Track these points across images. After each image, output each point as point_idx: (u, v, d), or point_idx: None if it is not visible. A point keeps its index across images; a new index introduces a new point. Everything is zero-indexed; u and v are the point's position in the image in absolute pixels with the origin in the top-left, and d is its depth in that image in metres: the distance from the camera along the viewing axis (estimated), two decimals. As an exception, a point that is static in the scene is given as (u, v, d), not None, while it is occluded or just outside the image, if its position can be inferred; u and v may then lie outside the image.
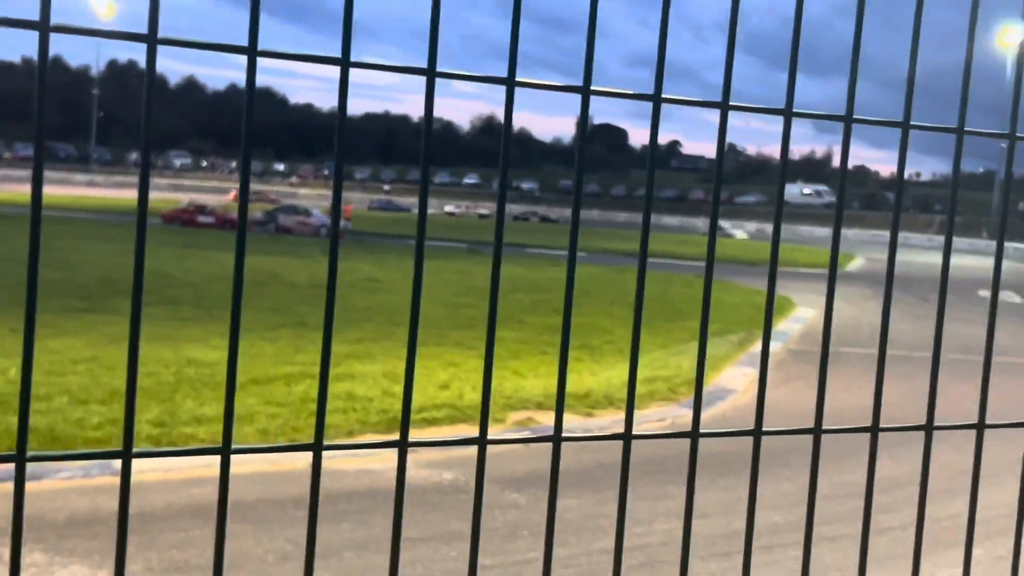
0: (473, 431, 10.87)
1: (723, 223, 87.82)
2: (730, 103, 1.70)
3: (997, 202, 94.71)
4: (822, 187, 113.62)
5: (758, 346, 23.94)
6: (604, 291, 31.46)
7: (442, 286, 31.20)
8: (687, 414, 16.71)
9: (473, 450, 1.81)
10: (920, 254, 58.13)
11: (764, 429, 1.83)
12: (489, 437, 1.65)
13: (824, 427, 1.85)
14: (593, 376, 18.93)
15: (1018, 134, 1.94)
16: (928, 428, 1.93)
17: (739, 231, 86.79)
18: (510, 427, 14.68)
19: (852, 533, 10.00)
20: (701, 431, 1.78)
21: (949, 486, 8.46)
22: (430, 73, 1.55)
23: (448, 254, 44.45)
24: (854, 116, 1.79)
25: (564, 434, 1.69)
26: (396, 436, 1.65)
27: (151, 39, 1.39)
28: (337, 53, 1.50)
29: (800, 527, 8.49)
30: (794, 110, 1.75)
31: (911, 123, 1.81)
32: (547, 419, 15.30)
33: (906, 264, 34.65)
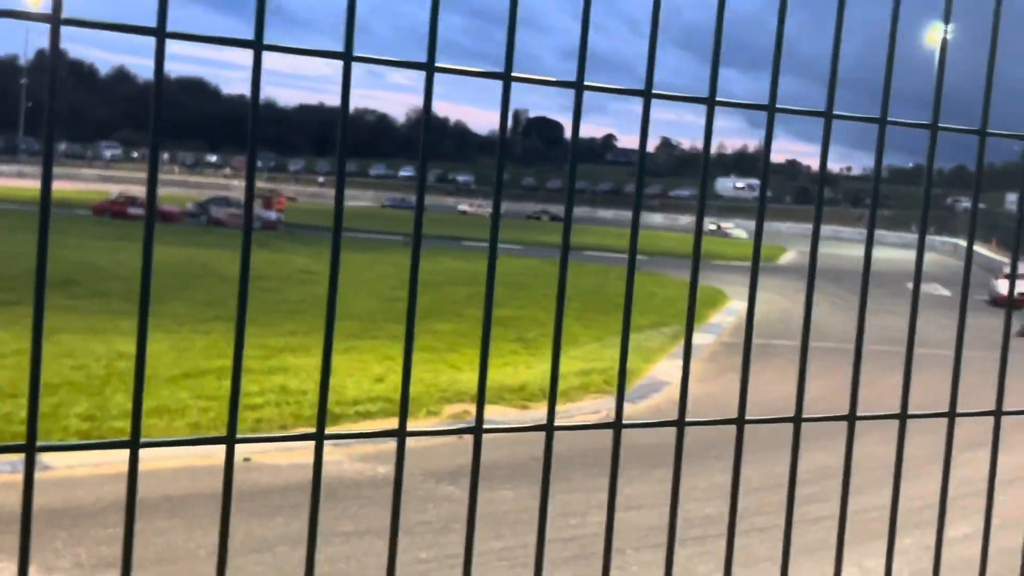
0: (411, 425, 10.78)
1: (724, 223, 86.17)
2: (653, 91, 1.70)
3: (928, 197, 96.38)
4: (754, 180, 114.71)
5: (693, 338, 24.15)
6: (540, 284, 31.53)
7: (378, 279, 31.07)
8: (624, 405, 16.84)
9: (408, 443, 1.81)
10: (851, 247, 58.79)
11: (687, 420, 1.84)
12: (409, 429, 1.64)
13: (748, 417, 1.87)
14: (529, 369, 18.97)
15: (940, 124, 1.97)
16: (851, 418, 1.95)
17: (739, 231, 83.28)
18: (445, 420, 14.68)
19: (782, 524, 10.12)
20: (624, 422, 1.79)
21: (879, 476, 8.59)
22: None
23: (385, 247, 44.29)
24: (778, 106, 1.80)
25: (486, 425, 1.70)
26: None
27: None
28: (279, 45, 1.48)
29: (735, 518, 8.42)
30: (718, 99, 1.75)
31: (834, 113, 1.83)
32: (485, 412, 15.33)
33: (837, 257, 35.10)
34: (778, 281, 35.79)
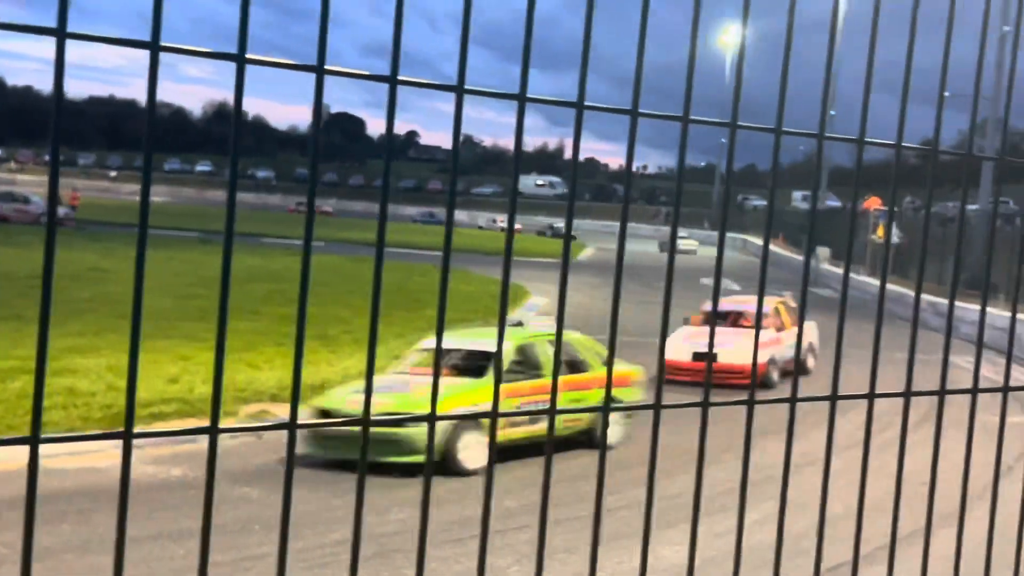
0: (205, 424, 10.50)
1: (682, 237, 77.06)
2: (465, 87, 1.70)
3: (718, 194, 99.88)
4: (554, 178, 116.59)
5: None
6: (341, 281, 31.22)
7: (172, 277, 30.16)
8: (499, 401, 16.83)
9: (203, 445, 1.74)
10: (647, 244, 60.48)
11: (499, 411, 1.84)
12: (221, 426, 1.59)
13: (559, 408, 1.88)
14: (330, 366, 18.76)
15: (739, 123, 2.01)
16: (656, 407, 1.98)
17: (690, 242, 70.97)
18: (243, 420, 14.35)
19: (581, 515, 10.30)
20: (437, 415, 1.78)
21: (669, 467, 8.82)
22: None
23: (178, 244, 43.04)
24: (585, 104, 1.81)
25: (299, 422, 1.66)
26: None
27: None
28: (82, 33, 1.40)
29: (530, 511, 8.69)
30: (528, 96, 1.76)
31: (639, 111, 1.85)
32: (282, 411, 15.05)
33: (634, 254, 36.02)
34: (577, 277, 36.46)
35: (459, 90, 1.69)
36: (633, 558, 9.15)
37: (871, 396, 2.26)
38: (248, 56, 1.50)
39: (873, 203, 46.51)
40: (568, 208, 1.97)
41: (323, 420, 11.45)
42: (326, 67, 1.57)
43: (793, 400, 2.15)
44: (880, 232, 44.79)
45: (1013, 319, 2.41)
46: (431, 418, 1.80)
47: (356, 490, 1.76)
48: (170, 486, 11.26)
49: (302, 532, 9.52)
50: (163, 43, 1.47)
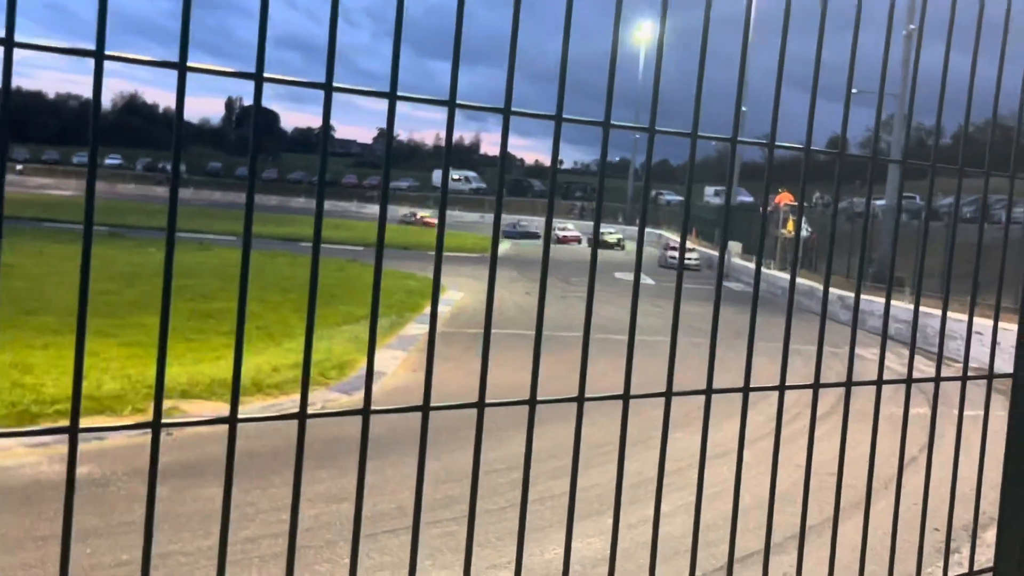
0: (112, 422, 10.38)
1: (608, 232, 75.12)
2: (398, 93, 1.73)
3: (633, 189, 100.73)
4: (470, 173, 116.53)
5: (408, 329, 24.27)
6: (255, 275, 30.82)
7: (78, 272, 29.57)
8: (338, 397, 16.71)
9: (109, 443, 1.71)
10: (561, 239, 60.78)
11: (432, 405, 1.85)
12: (164, 421, 1.61)
13: (488, 401, 1.89)
14: (243, 361, 18.56)
15: (657, 128, 2.05)
16: (580, 400, 2.00)
17: (616, 235, 68.87)
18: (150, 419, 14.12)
19: (492, 508, 10.33)
20: (372, 408, 1.80)
21: (584, 459, 8.88)
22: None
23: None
24: (512, 109, 1.86)
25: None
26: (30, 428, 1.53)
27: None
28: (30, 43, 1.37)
29: (444, 505, 8.68)
30: (458, 102, 1.79)
31: (563, 117, 1.90)
32: (192, 408, 14.86)
33: (563, 250, 36.09)
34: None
35: (392, 97, 1.72)
36: (544, 551, 9.20)
37: (781, 388, 2.30)
38: (189, 64, 1.51)
39: (784, 199, 47.27)
40: (496, 211, 1.99)
41: (260, 416, 11.27)
42: (265, 75, 1.58)
43: (709, 392, 2.19)
44: (790, 227, 45.53)
45: (916, 312, 2.47)
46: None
47: (294, 483, 1.75)
48: (78, 484, 11.05)
49: (211, 529, 9.41)
50: (108, 52, 1.47)
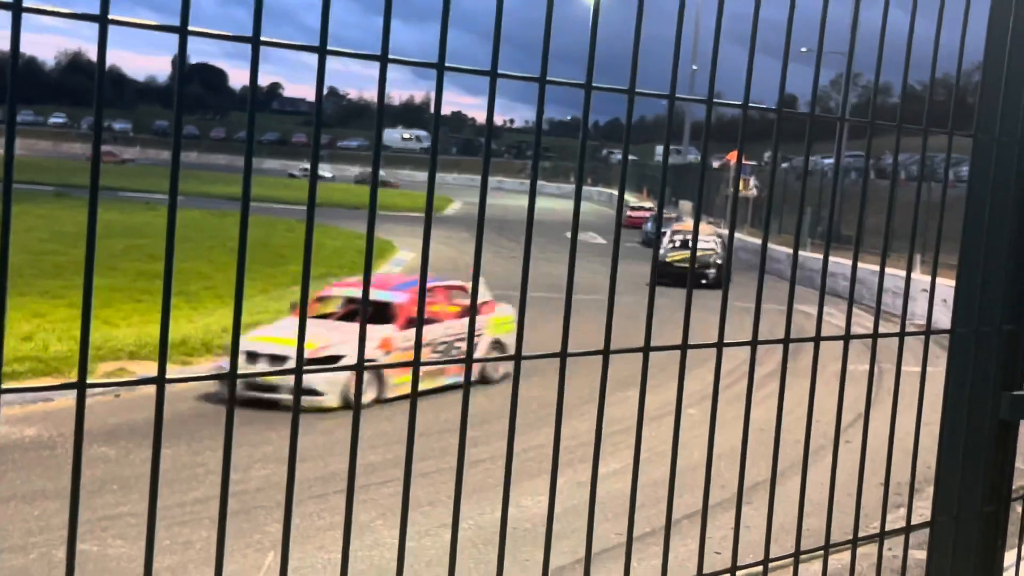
0: (60, 382, 10.28)
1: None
2: (328, 48, 1.69)
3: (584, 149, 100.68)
4: (421, 132, 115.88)
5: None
6: (203, 236, 30.60)
7: (25, 232, 29.19)
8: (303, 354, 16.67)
9: (58, 404, 1.70)
10: (514, 198, 60.66)
11: (365, 363, 1.84)
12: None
13: (423, 361, 1.90)
14: (191, 323, 18.44)
15: (594, 84, 2.04)
16: (517, 359, 2.01)
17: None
18: (100, 378, 14.00)
19: (443, 468, 10.38)
20: (305, 368, 1.79)
21: (536, 418, 8.94)
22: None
23: (32, 198, 41.59)
24: (446, 64, 1.84)
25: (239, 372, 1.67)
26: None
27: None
28: None
29: (395, 464, 8.69)
30: (390, 56, 1.76)
31: (498, 72, 1.88)
32: (140, 368, 14.77)
33: (501, 208, 36.06)
34: (445, 231, 36.44)
35: (322, 51, 1.69)
36: (495, 509, 9.26)
37: (719, 345, 2.32)
38: (111, 17, 1.48)
39: (734, 157, 47.49)
40: (431, 165, 1.99)
41: (189, 376, 11.31)
42: (189, 28, 1.56)
43: (646, 350, 2.20)
44: (742, 186, 45.76)
45: (854, 267, 2.50)
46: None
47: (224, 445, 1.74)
48: (24, 446, 10.96)
49: (160, 490, 9.39)
50: (25, 4, 1.44)
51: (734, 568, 2.40)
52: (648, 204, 61.94)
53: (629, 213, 54.46)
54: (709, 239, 33.26)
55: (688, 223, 34.80)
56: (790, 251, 2.77)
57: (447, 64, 1.87)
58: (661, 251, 30.71)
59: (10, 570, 7.94)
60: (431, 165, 2.04)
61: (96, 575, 7.86)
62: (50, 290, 19.97)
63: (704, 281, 28.77)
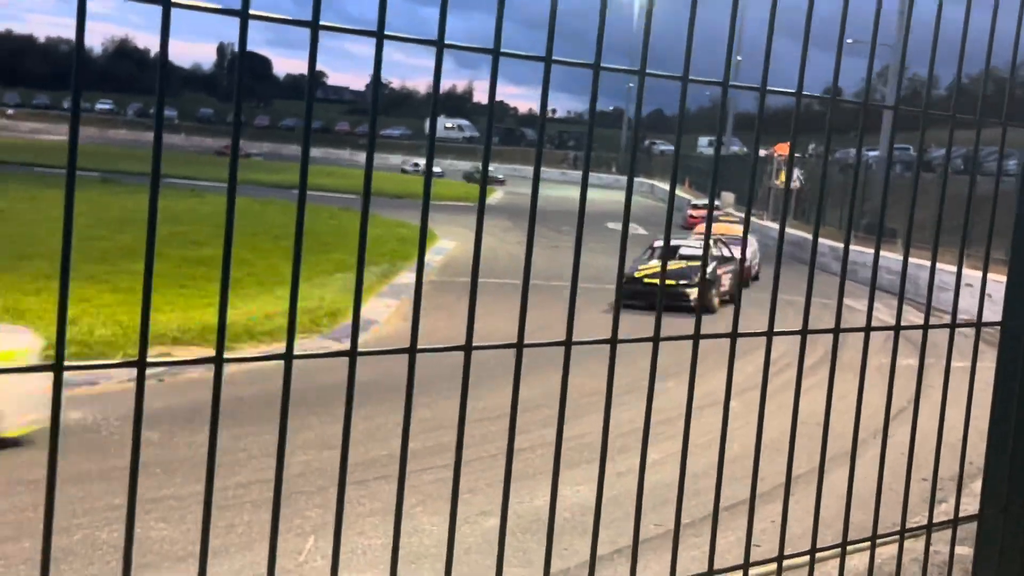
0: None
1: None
2: (385, 33, 1.71)
3: (626, 139, 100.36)
4: (463, 121, 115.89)
5: (400, 278, 24.27)
6: (247, 223, 30.79)
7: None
8: (330, 345, 16.73)
9: (100, 389, 1.72)
10: (555, 188, 60.60)
11: (419, 347, 1.86)
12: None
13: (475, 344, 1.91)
14: (233, 309, 18.56)
15: (648, 71, 2.03)
16: (567, 344, 2.01)
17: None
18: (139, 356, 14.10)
19: (483, 456, 10.38)
20: (359, 350, 1.80)
21: (577, 407, 8.91)
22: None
23: (79, 184, 41.91)
24: (501, 50, 1.84)
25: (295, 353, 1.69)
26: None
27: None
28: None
29: (436, 452, 8.70)
30: (446, 42, 1.77)
31: (553, 58, 1.88)
32: (183, 354, 14.88)
33: (543, 198, 35.92)
34: (488, 221, 36.34)
35: (379, 36, 1.70)
36: (535, 497, 9.26)
37: (769, 334, 2.31)
38: (173, 0, 1.49)
39: (781, 149, 47.15)
40: (484, 154, 1.99)
41: (247, 356, 11.26)
42: (251, 12, 1.57)
43: (696, 337, 2.20)
44: (783, 177, 45.46)
45: (905, 261, 2.48)
46: (352, 353, 1.82)
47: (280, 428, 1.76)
48: (68, 429, 11.08)
49: (202, 474, 9.45)
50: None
51: (781, 558, 2.39)
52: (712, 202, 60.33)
53: (691, 212, 48.28)
54: (698, 245, 24.99)
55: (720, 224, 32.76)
56: (832, 243, 2.74)
57: (502, 50, 1.87)
58: (631, 263, 23.23)
59: (54, 551, 8.04)
60: (484, 153, 2.04)
61: (139, 556, 7.95)
62: (95, 275, 20.18)
63: (689, 303, 21.28)
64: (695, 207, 49.43)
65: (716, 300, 23.25)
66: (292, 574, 7.99)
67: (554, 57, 1.91)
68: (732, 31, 2.16)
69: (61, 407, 1.52)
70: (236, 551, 8.38)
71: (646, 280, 21.55)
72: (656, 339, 2.16)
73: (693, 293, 22.02)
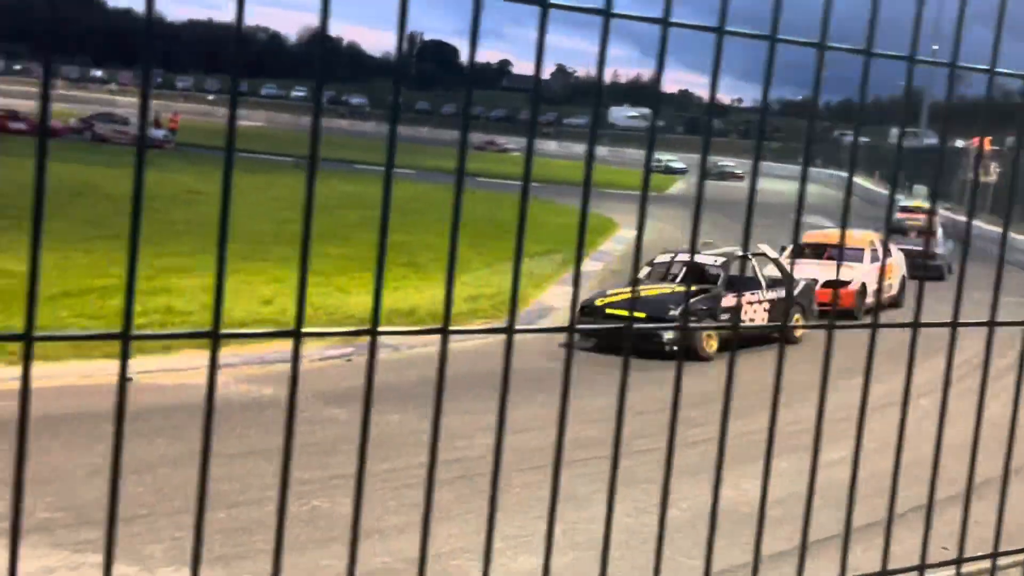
0: (308, 348, 10.75)
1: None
2: (551, 2, 1.71)
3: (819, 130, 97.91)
4: (647, 111, 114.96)
5: (583, 266, 24.31)
6: (432, 210, 31.32)
7: (269, 202, 30.63)
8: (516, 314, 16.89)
9: (302, 366, 1.81)
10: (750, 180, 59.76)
11: (576, 326, 1.87)
12: (304, 330, 1.69)
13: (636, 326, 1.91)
14: (419, 293, 18.96)
15: (828, 44, 1.97)
16: (735, 327, 2.00)
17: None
18: (337, 343, 14.54)
19: (663, 447, 10.31)
20: (516, 327, 1.84)
21: (757, 401, 8.79)
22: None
23: (276, 169, 43.52)
24: (671, 20, 1.78)
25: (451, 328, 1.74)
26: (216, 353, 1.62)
27: None
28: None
29: (628, 439, 8.60)
30: (613, 11, 1.74)
31: (725, 29, 1.82)
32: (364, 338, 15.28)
33: (726, 187, 35.50)
34: (667, 211, 36.12)
35: (544, 4, 1.70)
36: (727, 488, 9.16)
37: (953, 324, 2.25)
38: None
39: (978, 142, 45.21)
40: (648, 142, 1.98)
41: (471, 328, 11.55)
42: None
43: (874, 326, 2.16)
44: (991, 170, 43.69)
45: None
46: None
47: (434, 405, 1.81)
48: (262, 405, 11.52)
49: (387, 454, 9.70)
50: None
51: (960, 560, 2.33)
52: (924, 206, 53.58)
53: (898, 215, 41.44)
54: (716, 261, 18.66)
55: (830, 232, 25.26)
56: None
57: (671, 20, 1.81)
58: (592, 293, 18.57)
59: (248, 520, 8.39)
60: (648, 141, 2.02)
61: (327, 530, 8.22)
62: (289, 256, 20.89)
63: (662, 346, 14.94)
64: (903, 209, 41.53)
65: (709, 343, 16.53)
66: (470, 553, 8.15)
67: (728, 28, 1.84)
68: (919, 11, 2.09)
69: (127, 371, 1.54)
70: (416, 528, 8.58)
71: (608, 311, 16.61)
72: (875, 326, 2.13)
73: (667, 335, 15.20)
